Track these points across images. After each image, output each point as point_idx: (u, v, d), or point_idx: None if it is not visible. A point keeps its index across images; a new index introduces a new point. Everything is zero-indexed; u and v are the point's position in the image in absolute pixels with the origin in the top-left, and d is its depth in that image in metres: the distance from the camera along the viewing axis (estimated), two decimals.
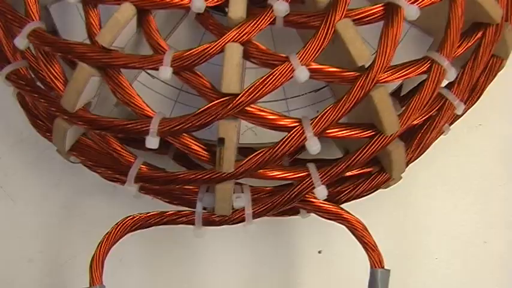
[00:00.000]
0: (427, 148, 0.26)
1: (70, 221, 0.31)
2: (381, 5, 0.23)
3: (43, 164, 0.32)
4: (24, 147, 0.32)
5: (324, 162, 0.25)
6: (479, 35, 0.25)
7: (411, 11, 0.23)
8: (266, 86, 0.22)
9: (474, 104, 0.27)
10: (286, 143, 0.23)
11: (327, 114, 0.23)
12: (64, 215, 0.32)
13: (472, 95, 0.27)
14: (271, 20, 0.23)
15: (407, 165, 0.26)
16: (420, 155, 0.26)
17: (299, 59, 0.23)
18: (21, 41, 0.24)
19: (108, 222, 0.26)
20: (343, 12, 0.23)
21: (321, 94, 0.27)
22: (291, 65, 0.22)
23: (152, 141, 0.23)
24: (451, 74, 0.24)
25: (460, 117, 0.28)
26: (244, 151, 0.26)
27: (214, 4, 0.24)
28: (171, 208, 0.26)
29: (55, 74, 0.24)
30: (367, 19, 0.23)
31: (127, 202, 0.29)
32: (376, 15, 0.23)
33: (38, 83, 0.26)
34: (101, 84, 0.24)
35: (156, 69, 0.23)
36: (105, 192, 0.31)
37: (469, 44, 0.25)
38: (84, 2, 0.23)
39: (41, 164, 0.32)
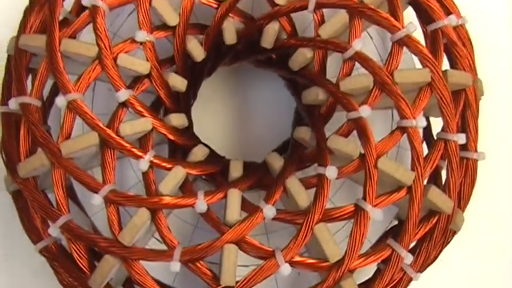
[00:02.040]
0: None
1: None
2: (351, 205, 0.29)
3: None
4: (46, 277, 0.37)
5: None
6: (434, 221, 0.30)
7: (376, 214, 0.28)
8: (255, 279, 0.28)
9: (429, 266, 0.32)
10: None
11: None
12: None
13: (427, 263, 0.32)
14: (261, 220, 0.28)
15: None
16: None
17: (283, 256, 0.28)
18: (54, 231, 0.29)
19: None
20: (320, 213, 0.28)
21: None
22: (276, 261, 0.28)
23: None
24: (409, 259, 0.29)
25: None
26: None
27: (215, 202, 0.29)
28: None
29: (81, 254, 0.29)
30: (339, 218, 0.28)
31: None
32: (346, 215, 0.28)
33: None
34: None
35: (168, 261, 0.28)
36: None
37: (426, 230, 0.30)
38: (107, 204, 0.28)
39: None
